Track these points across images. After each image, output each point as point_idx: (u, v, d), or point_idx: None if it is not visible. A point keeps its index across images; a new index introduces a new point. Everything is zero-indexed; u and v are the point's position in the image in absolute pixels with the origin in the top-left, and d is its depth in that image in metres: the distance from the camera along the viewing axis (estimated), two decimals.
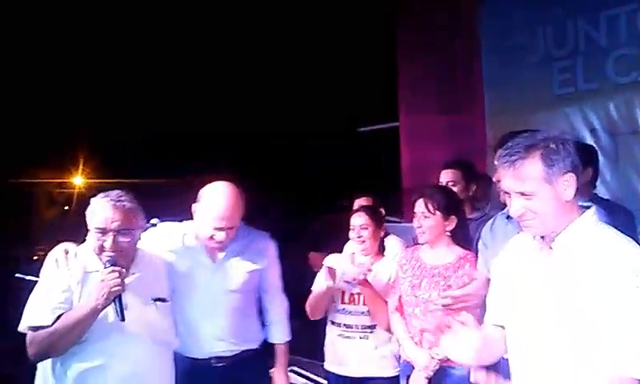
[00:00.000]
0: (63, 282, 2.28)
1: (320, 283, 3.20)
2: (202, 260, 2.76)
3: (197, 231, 2.73)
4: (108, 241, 2.25)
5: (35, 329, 2.24)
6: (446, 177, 3.63)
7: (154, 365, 2.39)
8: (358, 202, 3.74)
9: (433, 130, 5.34)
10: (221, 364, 2.76)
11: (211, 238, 2.65)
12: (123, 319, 2.21)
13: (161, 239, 2.73)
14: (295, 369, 4.08)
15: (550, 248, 1.74)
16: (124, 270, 2.26)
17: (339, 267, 3.03)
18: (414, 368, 2.76)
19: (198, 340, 2.74)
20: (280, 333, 2.94)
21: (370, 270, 3.00)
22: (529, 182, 1.69)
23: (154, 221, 2.93)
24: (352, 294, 3.10)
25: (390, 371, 3.04)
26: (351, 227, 3.21)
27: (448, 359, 2.66)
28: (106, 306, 2.20)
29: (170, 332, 2.49)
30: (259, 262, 2.83)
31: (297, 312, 3.14)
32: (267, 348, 2.95)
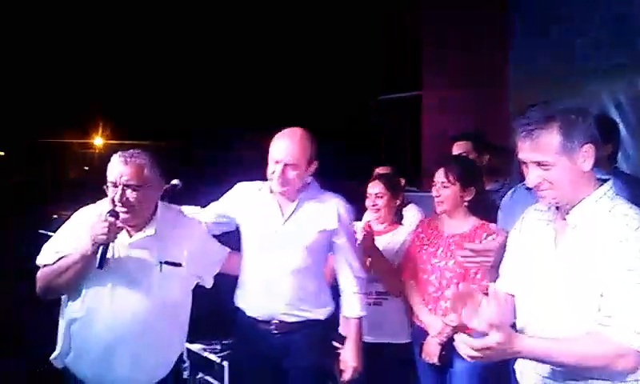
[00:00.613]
0: (73, 230, 2.39)
1: None
2: (271, 212, 2.63)
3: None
4: (117, 194, 2.29)
5: (43, 267, 2.38)
6: (457, 149, 3.65)
7: (149, 324, 2.34)
8: (378, 171, 3.75)
9: (455, 101, 5.31)
10: (280, 330, 2.62)
11: (272, 173, 2.55)
12: (100, 267, 2.23)
13: (236, 193, 2.74)
14: None
15: (564, 219, 1.75)
16: (116, 222, 2.25)
17: None
18: (427, 335, 2.81)
19: (261, 300, 2.64)
20: (351, 306, 2.69)
21: (368, 232, 2.97)
22: (546, 153, 1.69)
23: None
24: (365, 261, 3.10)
25: (403, 338, 3.07)
26: (367, 195, 3.24)
27: (462, 326, 2.70)
28: (93, 252, 2.24)
29: (176, 296, 2.42)
30: (330, 223, 2.62)
31: None
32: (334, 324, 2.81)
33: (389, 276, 3.05)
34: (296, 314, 2.61)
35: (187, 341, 3.85)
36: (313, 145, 2.62)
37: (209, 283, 2.58)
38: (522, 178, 3.09)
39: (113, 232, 2.24)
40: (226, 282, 2.91)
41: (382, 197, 3.19)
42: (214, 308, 3.14)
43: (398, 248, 3.13)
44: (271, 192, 2.64)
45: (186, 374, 3.98)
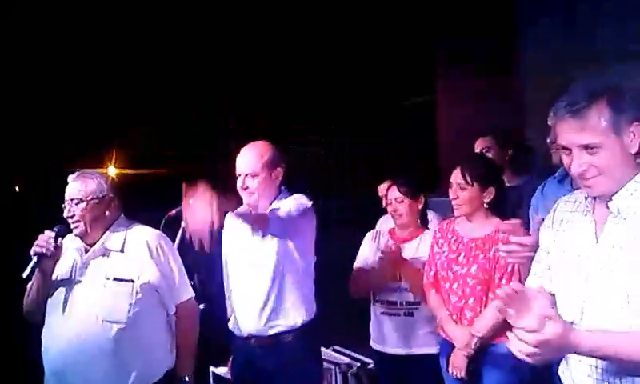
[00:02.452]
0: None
1: (361, 259, 3.17)
2: (244, 230, 2.69)
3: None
4: (65, 209, 2.41)
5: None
6: (480, 144, 3.58)
7: (97, 343, 2.30)
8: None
9: (469, 101, 5.17)
10: (261, 344, 2.67)
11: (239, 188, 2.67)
12: (27, 277, 2.32)
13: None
14: (337, 348, 4.04)
15: (604, 208, 1.60)
16: (52, 237, 2.33)
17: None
18: (453, 347, 2.65)
19: (239, 319, 2.71)
20: None
21: (396, 247, 2.93)
22: (594, 133, 1.52)
23: (190, 201, 2.92)
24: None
25: (435, 348, 2.92)
26: (387, 201, 3.13)
27: (489, 337, 2.56)
28: (32, 266, 2.31)
29: (122, 313, 2.33)
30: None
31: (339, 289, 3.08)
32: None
33: (420, 284, 2.91)
34: (271, 328, 2.65)
35: (212, 365, 3.86)
36: (272, 152, 2.69)
37: (171, 309, 2.49)
38: (548, 173, 2.95)
39: (45, 246, 2.30)
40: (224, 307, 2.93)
41: (402, 201, 3.07)
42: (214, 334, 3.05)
43: (426, 250, 2.97)
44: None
45: None
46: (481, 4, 5.03)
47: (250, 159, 2.67)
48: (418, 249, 3.04)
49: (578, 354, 1.54)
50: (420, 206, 3.14)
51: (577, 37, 4.53)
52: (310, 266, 2.76)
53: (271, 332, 2.65)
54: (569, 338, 1.44)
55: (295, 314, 2.67)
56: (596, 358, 1.54)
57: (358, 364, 3.75)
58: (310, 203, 2.68)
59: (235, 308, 2.74)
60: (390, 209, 3.12)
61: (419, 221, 3.14)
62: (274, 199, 2.70)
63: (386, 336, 3.04)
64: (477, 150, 3.56)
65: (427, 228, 3.13)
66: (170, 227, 2.78)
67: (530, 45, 4.81)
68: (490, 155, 3.45)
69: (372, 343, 3.16)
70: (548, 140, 2.63)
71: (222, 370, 3.93)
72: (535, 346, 1.41)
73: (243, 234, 2.70)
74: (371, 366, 3.51)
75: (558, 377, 1.74)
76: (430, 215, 3.26)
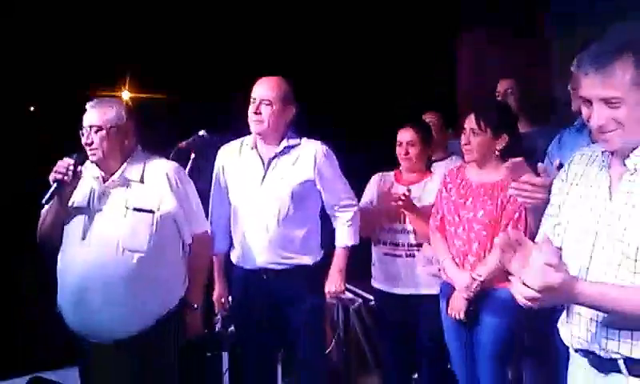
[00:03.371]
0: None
1: (366, 200, 3.19)
2: (253, 164, 2.77)
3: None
4: (84, 136, 2.41)
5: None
6: (502, 85, 3.49)
7: (115, 272, 2.34)
8: (425, 118, 3.51)
9: (493, 50, 5.01)
10: (270, 277, 2.75)
11: (250, 113, 2.72)
12: (45, 202, 2.34)
13: (223, 148, 2.89)
14: None
15: (621, 165, 1.58)
16: (72, 163, 2.34)
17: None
18: (454, 289, 2.69)
19: (249, 250, 2.76)
20: (340, 237, 2.86)
21: (405, 195, 2.94)
22: (617, 88, 1.49)
23: (200, 132, 2.98)
24: (398, 213, 3.03)
25: (436, 289, 2.95)
26: (398, 143, 3.11)
27: (490, 280, 2.58)
28: (51, 192, 2.33)
29: (142, 242, 2.36)
30: (308, 172, 2.76)
31: None
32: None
33: (425, 228, 2.94)
34: (281, 262, 2.73)
35: None
36: (288, 88, 2.76)
37: (187, 239, 2.52)
38: (564, 123, 2.89)
39: (64, 171, 2.31)
40: None
41: (413, 144, 3.06)
42: None
43: (433, 196, 2.98)
44: (252, 148, 2.79)
45: (217, 326, 4.02)
46: None
47: (268, 87, 2.72)
48: (423, 192, 3.05)
49: (579, 304, 1.55)
50: (429, 152, 3.17)
51: None
52: (318, 207, 2.86)
53: (281, 267, 2.74)
54: (571, 286, 1.44)
55: (306, 250, 2.78)
56: (596, 310, 1.54)
57: (360, 300, 3.81)
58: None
59: (246, 241, 2.78)
60: (399, 149, 3.11)
61: (425, 165, 3.15)
62: (283, 138, 2.77)
63: (388, 276, 3.10)
64: (500, 92, 3.48)
65: (432, 172, 3.14)
66: (180, 158, 2.82)
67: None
68: (511, 99, 3.40)
69: (373, 282, 3.21)
70: (569, 87, 2.57)
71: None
72: (537, 292, 1.41)
73: (254, 168, 2.77)
74: (372, 303, 3.58)
75: (557, 328, 1.75)
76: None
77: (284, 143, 2.76)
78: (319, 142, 2.84)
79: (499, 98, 3.51)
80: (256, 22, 5.20)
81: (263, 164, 2.77)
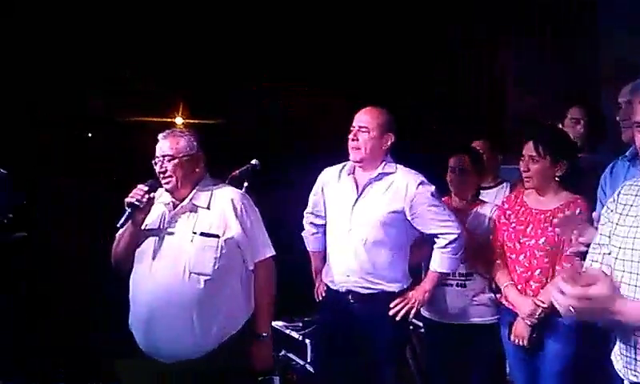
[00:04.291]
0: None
1: None
2: (347, 189, 2.86)
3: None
4: (157, 165, 2.53)
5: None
6: (574, 113, 3.38)
7: (182, 295, 2.41)
8: (475, 145, 3.49)
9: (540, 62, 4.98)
10: (355, 300, 2.81)
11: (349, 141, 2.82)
12: (120, 226, 2.48)
13: (319, 180, 3.03)
14: None
15: None
16: (146, 190, 2.46)
17: None
18: (516, 316, 2.70)
19: (337, 272, 2.86)
20: (434, 261, 2.84)
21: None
22: None
23: (253, 161, 3.05)
24: None
25: (488, 319, 2.98)
26: (450, 168, 3.11)
27: (553, 306, 2.57)
28: (126, 216, 2.45)
29: (208, 266, 2.43)
30: (398, 203, 2.78)
31: None
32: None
33: (476, 255, 2.95)
34: (368, 287, 2.79)
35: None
36: (388, 117, 2.85)
37: (250, 265, 2.57)
38: (620, 151, 2.88)
39: (139, 198, 2.44)
40: (307, 259, 3.15)
41: (465, 172, 3.07)
42: (295, 285, 3.20)
43: (485, 225, 3.01)
44: (349, 174, 2.88)
45: None
46: None
47: (367, 116, 2.83)
48: (474, 219, 3.05)
49: (622, 324, 1.54)
50: (479, 182, 3.17)
51: None
52: (409, 235, 2.88)
53: (367, 291, 2.80)
54: (614, 302, 1.44)
55: (392, 277, 2.82)
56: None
57: (411, 327, 3.81)
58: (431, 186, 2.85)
59: (335, 262, 2.87)
60: (451, 176, 3.10)
61: (476, 194, 3.15)
62: (380, 164, 2.83)
63: (437, 305, 3.07)
64: (569, 117, 3.38)
65: (481, 200, 3.14)
66: (233, 186, 2.87)
67: (608, 16, 4.60)
68: (580, 125, 3.32)
69: (423, 311, 3.18)
70: (618, 117, 2.57)
71: (279, 324, 4.08)
72: (577, 299, 1.41)
73: (348, 193, 2.86)
74: (422, 330, 3.57)
75: (610, 360, 1.75)
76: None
77: (379, 169, 2.82)
78: (414, 172, 2.85)
79: (567, 123, 3.40)
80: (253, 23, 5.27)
81: (357, 189, 2.84)
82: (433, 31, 5.44)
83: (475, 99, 5.41)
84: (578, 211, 2.58)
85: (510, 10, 5.05)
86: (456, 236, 2.80)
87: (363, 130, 2.78)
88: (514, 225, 2.76)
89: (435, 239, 2.83)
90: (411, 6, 5.33)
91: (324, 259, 3.03)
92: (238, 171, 3.00)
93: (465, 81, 5.57)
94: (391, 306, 2.79)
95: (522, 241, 2.71)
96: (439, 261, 2.83)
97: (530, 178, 2.71)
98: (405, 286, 2.85)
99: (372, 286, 2.79)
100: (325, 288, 2.99)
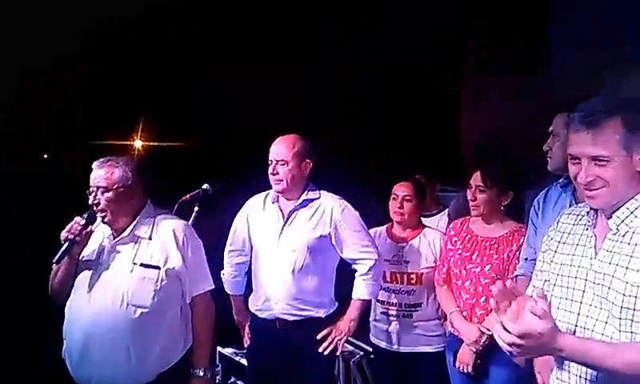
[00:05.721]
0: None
1: None
2: (272, 216, 2.87)
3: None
4: (91, 196, 2.43)
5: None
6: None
7: (119, 327, 2.34)
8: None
9: (495, 94, 5.10)
10: (283, 327, 2.80)
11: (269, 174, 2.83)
12: (56, 262, 2.41)
13: (251, 200, 3.00)
14: None
15: (604, 224, 1.64)
16: (83, 224, 2.39)
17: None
18: (461, 342, 2.72)
19: (264, 300, 2.84)
20: (356, 288, 2.84)
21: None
22: (606, 147, 1.55)
23: (204, 186, 3.01)
24: (394, 273, 3.06)
25: (434, 347, 3.01)
26: (393, 196, 3.13)
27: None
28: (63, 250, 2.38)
29: (147, 298, 2.37)
30: (324, 227, 2.80)
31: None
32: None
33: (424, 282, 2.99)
34: (296, 313, 2.79)
35: (219, 345, 3.93)
36: (303, 143, 2.84)
37: (188, 298, 2.50)
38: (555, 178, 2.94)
39: (75, 232, 2.37)
40: None
41: (410, 200, 3.09)
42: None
43: (429, 251, 3.05)
44: (274, 202, 2.89)
45: (218, 378, 3.99)
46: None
47: (282, 147, 2.82)
48: (419, 247, 3.07)
49: (563, 358, 1.58)
50: (420, 210, 3.20)
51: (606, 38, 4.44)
52: (335, 260, 2.90)
53: (294, 318, 2.80)
54: (555, 338, 1.47)
55: (319, 302, 2.82)
56: (579, 364, 1.57)
57: (361, 352, 3.80)
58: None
59: (262, 290, 2.86)
60: (394, 204, 3.10)
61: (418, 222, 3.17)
62: (303, 191, 2.85)
63: (384, 333, 3.11)
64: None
65: (423, 227, 3.16)
66: (183, 211, 2.84)
67: (559, 44, 4.75)
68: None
69: (371, 336, 3.23)
70: (544, 147, 2.60)
71: (229, 351, 4.03)
72: (518, 338, 1.43)
73: (274, 221, 2.85)
74: (372, 356, 3.57)
75: None
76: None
77: (303, 196, 2.84)
78: (337, 197, 2.88)
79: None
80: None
81: (283, 217, 2.85)
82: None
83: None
84: (522, 240, 2.63)
85: None
86: (374, 261, 2.82)
87: (281, 162, 2.79)
88: (460, 251, 2.80)
89: (355, 265, 2.85)
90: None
91: (245, 302, 3.01)
92: (189, 195, 2.96)
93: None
94: (318, 337, 2.77)
95: (467, 267, 2.74)
96: (363, 288, 2.84)
97: (477, 207, 2.76)
98: (331, 311, 2.85)
99: (300, 313, 2.79)
100: (249, 321, 2.97)
